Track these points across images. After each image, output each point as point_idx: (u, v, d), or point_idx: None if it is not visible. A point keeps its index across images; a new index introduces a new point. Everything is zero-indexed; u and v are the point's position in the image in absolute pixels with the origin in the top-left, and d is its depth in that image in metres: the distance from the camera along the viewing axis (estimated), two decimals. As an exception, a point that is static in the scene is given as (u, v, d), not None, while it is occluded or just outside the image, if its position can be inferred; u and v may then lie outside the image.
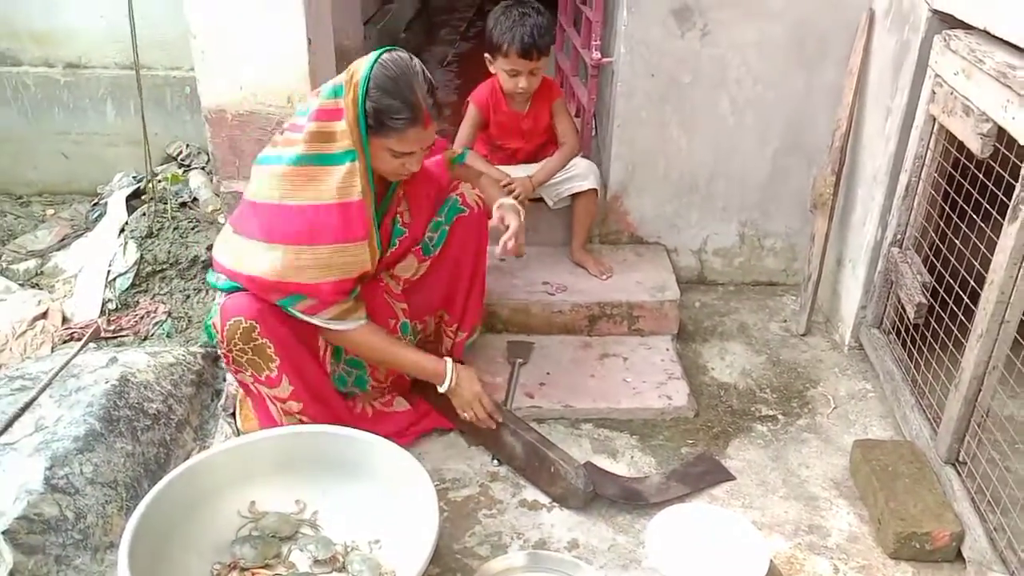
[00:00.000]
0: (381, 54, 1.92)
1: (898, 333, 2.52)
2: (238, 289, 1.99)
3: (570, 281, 2.81)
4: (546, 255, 2.94)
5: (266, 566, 1.88)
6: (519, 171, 2.79)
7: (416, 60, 1.94)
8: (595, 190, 2.80)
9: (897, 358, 2.50)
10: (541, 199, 2.88)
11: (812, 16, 2.67)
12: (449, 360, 2.16)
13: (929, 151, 2.33)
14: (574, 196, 2.84)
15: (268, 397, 2.09)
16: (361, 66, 1.91)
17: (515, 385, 2.46)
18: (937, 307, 2.24)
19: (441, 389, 2.15)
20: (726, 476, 2.21)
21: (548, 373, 2.56)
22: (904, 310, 2.40)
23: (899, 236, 2.49)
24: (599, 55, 2.84)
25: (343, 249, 1.93)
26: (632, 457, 2.28)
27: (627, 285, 2.79)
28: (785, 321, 2.91)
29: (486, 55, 2.65)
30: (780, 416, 2.47)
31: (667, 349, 2.69)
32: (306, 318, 1.99)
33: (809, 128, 2.82)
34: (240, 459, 1.97)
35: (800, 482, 2.22)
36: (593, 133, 3.11)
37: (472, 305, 2.46)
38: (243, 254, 1.94)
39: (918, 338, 2.36)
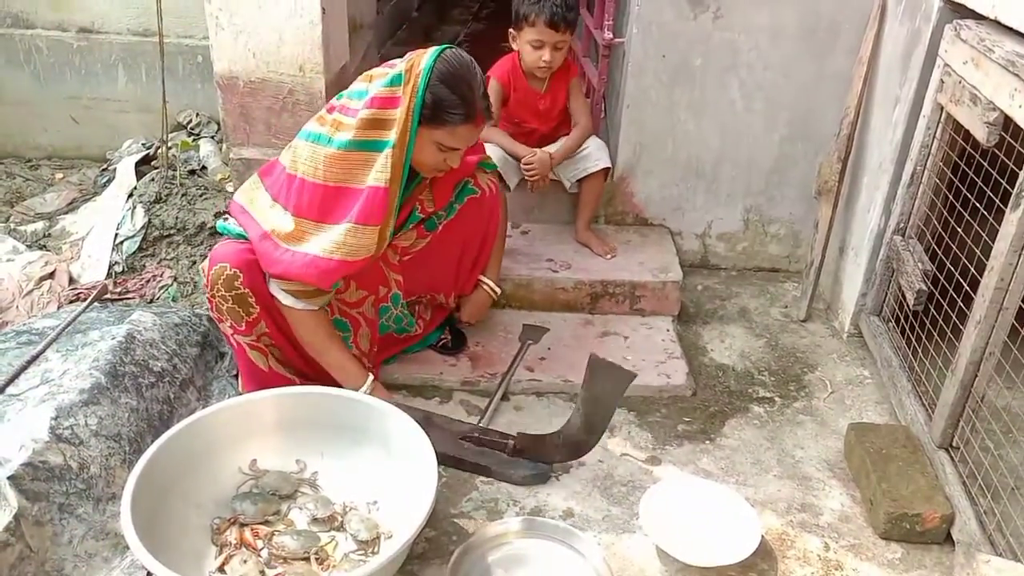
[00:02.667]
0: (444, 49, 1.95)
1: (897, 321, 2.53)
2: (243, 239, 2.05)
3: (574, 259, 2.83)
4: (551, 233, 2.96)
5: (265, 522, 1.91)
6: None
7: (474, 62, 2.00)
8: (605, 170, 2.82)
9: (895, 345, 2.52)
10: (558, 181, 2.89)
11: (824, 4, 2.68)
12: (370, 378, 2.15)
13: (935, 140, 2.35)
14: (583, 177, 2.85)
15: (246, 345, 2.16)
16: (423, 57, 1.94)
17: (519, 363, 2.48)
18: (937, 295, 2.26)
19: (362, 391, 2.12)
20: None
21: (549, 348, 2.58)
22: (904, 297, 2.42)
23: (902, 224, 2.51)
24: (611, 35, 2.85)
25: (357, 230, 1.96)
26: (629, 432, 2.30)
27: (630, 265, 2.81)
28: (786, 307, 2.93)
29: (510, 30, 2.66)
30: (777, 398, 2.49)
31: (667, 330, 2.71)
32: (271, 281, 2.05)
33: (817, 115, 2.84)
34: (242, 416, 2.00)
35: (794, 462, 2.24)
36: (603, 114, 3.12)
37: (471, 277, 2.51)
38: (267, 211, 2.02)
39: (916, 326, 2.38)
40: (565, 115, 2.85)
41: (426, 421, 2.07)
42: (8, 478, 1.73)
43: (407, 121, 1.91)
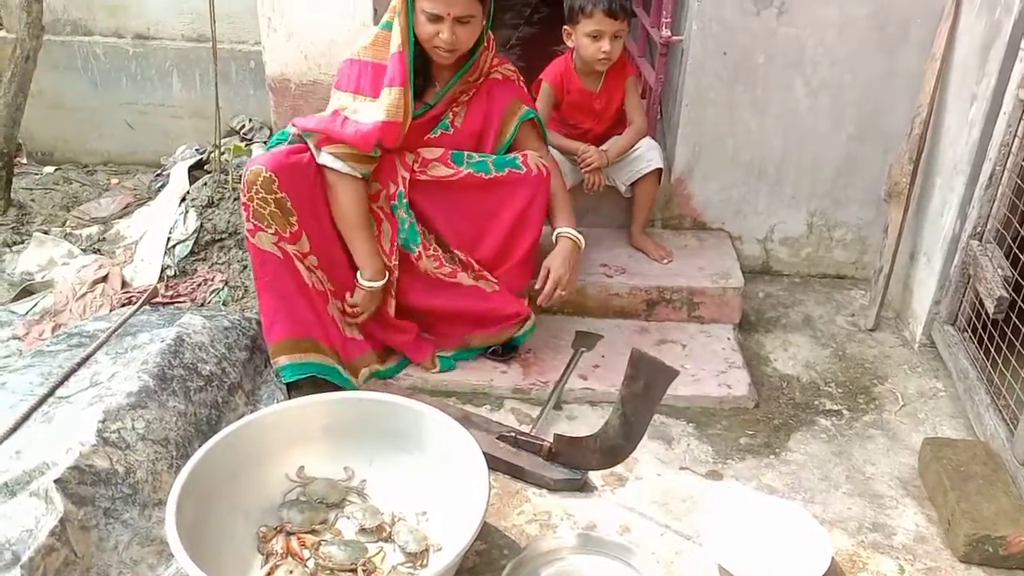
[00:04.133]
0: None
1: (974, 330, 2.39)
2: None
3: (629, 264, 2.74)
4: (605, 237, 2.87)
5: (312, 531, 1.86)
6: None
7: None
8: (659, 172, 2.73)
9: (972, 356, 2.38)
10: (612, 185, 2.81)
11: (896, -3, 2.56)
12: (384, 280, 2.31)
13: (1017, 138, 2.21)
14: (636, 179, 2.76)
15: (293, 255, 2.23)
16: None
17: (571, 371, 2.40)
18: (1020, 302, 2.12)
19: (361, 280, 2.30)
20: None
21: (603, 356, 2.49)
22: (982, 305, 2.28)
23: (979, 228, 2.37)
24: (669, 33, 2.76)
25: (389, 92, 2.15)
26: (688, 445, 2.21)
27: (688, 271, 2.71)
28: (853, 315, 2.80)
29: (564, 27, 2.60)
30: (845, 411, 2.37)
31: (728, 338, 2.60)
32: (321, 153, 2.21)
33: (886, 114, 2.71)
34: (290, 421, 1.96)
35: (865, 479, 2.12)
36: (659, 115, 3.03)
37: (514, 269, 2.42)
38: (331, 101, 2.28)
39: (996, 335, 2.24)
40: (620, 115, 2.77)
41: (464, 420, 2.00)
42: (55, 481, 1.70)
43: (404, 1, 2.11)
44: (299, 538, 1.83)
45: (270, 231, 2.19)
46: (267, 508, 1.89)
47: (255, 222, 2.18)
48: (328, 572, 1.77)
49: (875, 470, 2.15)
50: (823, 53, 2.64)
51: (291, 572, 1.77)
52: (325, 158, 2.20)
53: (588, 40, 2.54)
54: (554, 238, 2.39)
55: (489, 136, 2.38)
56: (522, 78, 2.44)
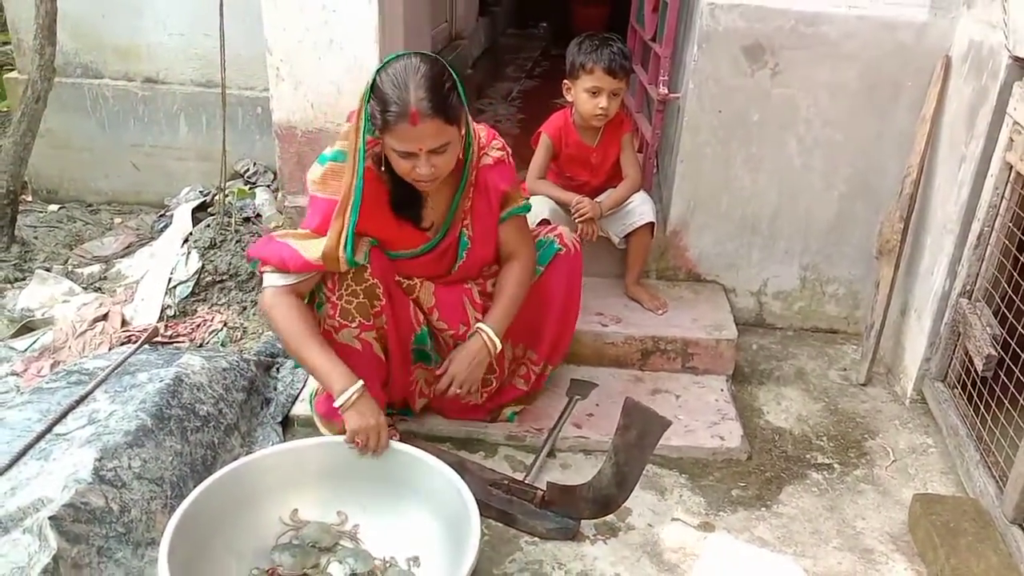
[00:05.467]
0: (393, 59, 1.89)
1: (963, 387, 2.42)
2: None
3: (624, 313, 2.78)
4: (601, 287, 2.91)
5: (304, 575, 1.85)
6: None
7: (427, 63, 1.86)
8: (651, 225, 2.78)
9: (962, 413, 2.40)
10: (606, 236, 2.86)
11: (886, 61, 2.63)
12: (361, 382, 1.94)
13: (1004, 200, 2.27)
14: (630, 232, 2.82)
15: (372, 340, 2.10)
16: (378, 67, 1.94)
17: (566, 419, 2.42)
18: (1008, 360, 2.15)
19: (336, 402, 1.92)
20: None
21: (597, 404, 2.51)
22: (971, 363, 2.31)
23: (968, 287, 2.41)
24: (666, 91, 2.83)
25: (314, 235, 2.00)
26: (681, 496, 2.22)
27: (683, 322, 2.74)
28: (845, 370, 2.83)
29: (564, 81, 2.67)
30: (836, 465, 2.38)
31: (721, 389, 2.62)
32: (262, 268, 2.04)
33: (878, 173, 2.77)
34: (286, 464, 1.97)
35: (855, 533, 2.13)
36: (655, 169, 3.09)
37: (563, 344, 2.44)
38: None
39: (985, 392, 2.27)
40: (616, 169, 2.83)
41: (459, 467, 2.01)
42: (49, 518, 1.71)
43: (356, 129, 1.92)
44: None
45: (353, 325, 2.06)
46: (260, 550, 1.88)
47: (341, 320, 2.04)
48: None
49: (865, 524, 2.16)
50: (816, 113, 2.71)
51: None
52: (267, 279, 2.01)
53: (587, 96, 2.61)
54: (471, 331, 2.20)
55: (493, 231, 2.23)
56: (510, 153, 2.20)
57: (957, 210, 2.44)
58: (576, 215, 2.70)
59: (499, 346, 2.20)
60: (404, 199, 2.06)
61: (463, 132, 1.98)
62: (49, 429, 2.02)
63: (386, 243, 2.09)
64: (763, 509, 2.19)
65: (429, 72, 1.85)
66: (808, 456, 2.41)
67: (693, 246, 2.95)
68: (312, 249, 1.96)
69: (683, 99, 2.81)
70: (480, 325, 2.19)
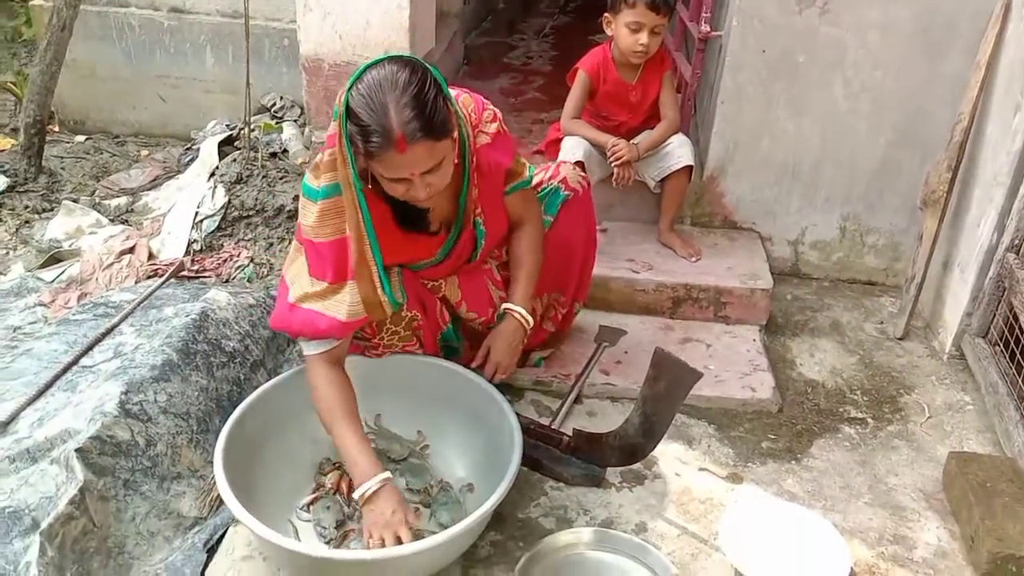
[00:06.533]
0: (363, 71, 1.64)
1: (1006, 344, 2.35)
2: None
3: (656, 261, 2.71)
4: (633, 232, 2.84)
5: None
6: None
7: (403, 72, 1.62)
8: (689, 168, 2.69)
9: (1003, 370, 2.33)
10: (641, 180, 2.78)
11: (942, 1, 2.50)
12: (387, 474, 1.74)
13: (1062, 150, 2.16)
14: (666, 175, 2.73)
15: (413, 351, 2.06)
16: (344, 87, 1.67)
17: (593, 365, 2.38)
18: (1057, 318, 2.07)
19: (355, 493, 1.75)
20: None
21: (626, 352, 2.47)
22: (1016, 319, 2.24)
23: (1017, 241, 2.32)
24: (708, 28, 2.72)
25: (335, 288, 1.80)
26: (709, 447, 2.18)
27: (717, 270, 2.67)
28: (882, 323, 2.75)
29: (605, 15, 2.57)
30: (870, 420, 2.33)
31: (754, 340, 2.57)
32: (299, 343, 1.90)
33: (927, 120, 2.66)
34: (378, 370, 2.02)
35: (887, 490, 2.09)
36: (693, 111, 2.99)
37: (585, 280, 2.38)
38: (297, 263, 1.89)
39: (1030, 350, 2.19)
40: (654, 109, 2.74)
41: None
42: (76, 451, 1.71)
43: (344, 159, 1.70)
44: (349, 479, 1.83)
45: (396, 350, 2.04)
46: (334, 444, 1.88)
47: (385, 350, 2.02)
48: (360, 517, 1.78)
49: (898, 481, 2.12)
50: (865, 55, 2.59)
51: (328, 508, 1.84)
52: (305, 348, 1.86)
53: (627, 31, 2.51)
54: (501, 311, 2.11)
55: (502, 207, 2.08)
56: (502, 120, 1.99)
57: (1009, 161, 2.33)
58: (612, 158, 2.62)
59: (531, 322, 2.12)
60: (408, 214, 1.87)
61: (456, 135, 1.75)
62: (76, 361, 2.01)
63: (405, 261, 1.97)
64: (793, 462, 2.15)
65: (408, 86, 1.60)
66: (841, 410, 2.36)
67: (730, 192, 2.86)
68: (344, 306, 1.79)
69: (725, 37, 2.70)
70: (509, 306, 2.10)
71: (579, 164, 2.50)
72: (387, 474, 1.74)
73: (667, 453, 2.13)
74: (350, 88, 1.63)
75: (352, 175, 1.71)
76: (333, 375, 1.83)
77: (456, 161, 1.81)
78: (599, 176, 2.68)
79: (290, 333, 1.87)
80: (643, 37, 2.50)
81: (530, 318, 2.12)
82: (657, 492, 2.02)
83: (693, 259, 2.71)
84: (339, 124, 1.66)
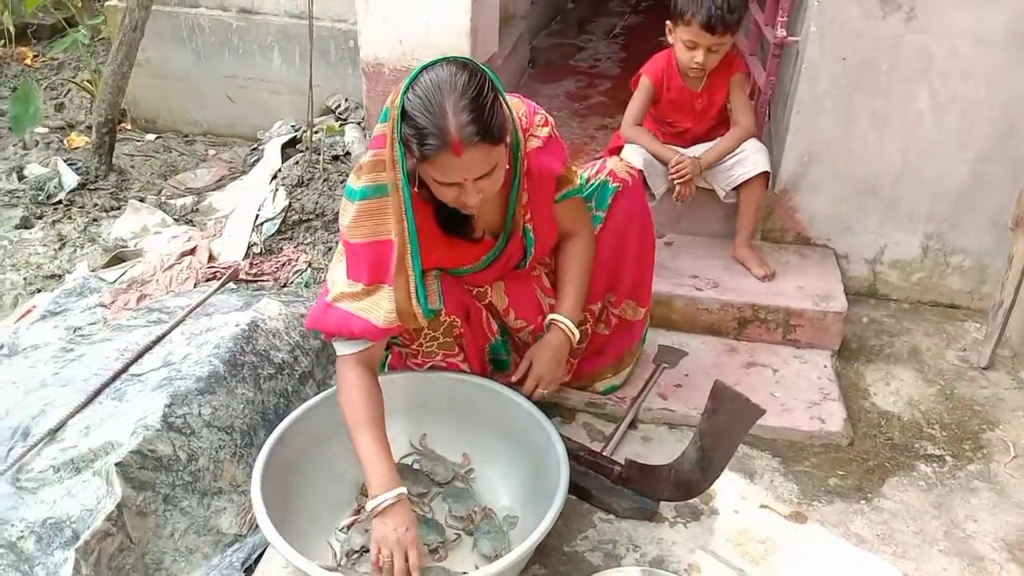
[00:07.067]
0: (419, 73, 1.61)
1: (1105, 381, 2.16)
2: None
3: (723, 277, 2.58)
4: (699, 247, 2.72)
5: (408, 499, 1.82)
6: (688, 151, 2.59)
7: (462, 74, 1.58)
8: (766, 175, 2.55)
9: (1101, 410, 2.14)
10: (710, 189, 2.65)
11: (1041, 6, 2.31)
12: (403, 490, 1.70)
13: None
14: (740, 184, 2.60)
15: (459, 363, 2.01)
16: (400, 86, 1.64)
17: (651, 388, 2.28)
18: None
19: (368, 505, 1.71)
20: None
21: (686, 375, 2.36)
22: (1118, 356, 2.05)
23: (1122, 269, 2.13)
24: (784, 33, 2.57)
25: (371, 290, 1.77)
26: (772, 481, 2.06)
27: (787, 289, 2.53)
28: (965, 350, 2.57)
29: (667, 22, 2.45)
30: (948, 458, 2.17)
31: (825, 366, 2.42)
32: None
33: (1021, 135, 2.46)
34: (424, 387, 1.99)
35: (965, 537, 1.93)
36: (767, 119, 2.84)
37: (645, 280, 2.23)
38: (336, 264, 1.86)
39: None
40: (722, 115, 2.61)
41: None
42: (116, 465, 1.70)
43: (394, 162, 1.66)
44: None
45: (437, 359, 1.99)
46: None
47: (424, 359, 1.98)
48: None
49: (977, 528, 1.96)
50: (954, 64, 2.41)
51: (367, 531, 1.78)
52: (338, 348, 1.83)
53: (683, 47, 2.40)
54: (547, 323, 2.03)
55: (552, 214, 2.00)
56: (554, 125, 1.93)
57: (1115, 181, 2.14)
58: (675, 176, 2.50)
59: (577, 335, 2.03)
60: (449, 217, 1.81)
61: (510, 141, 1.73)
62: (124, 370, 2.01)
63: (447, 266, 1.90)
64: (862, 502, 2.01)
65: (467, 88, 1.56)
66: (917, 445, 2.20)
67: (804, 207, 2.71)
68: (378, 311, 1.75)
69: (802, 43, 2.55)
70: (555, 317, 2.01)
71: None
72: (402, 489, 1.69)
73: (726, 486, 2.02)
74: (405, 91, 1.60)
75: (402, 179, 1.67)
76: (363, 379, 1.80)
77: (508, 166, 1.75)
78: (662, 189, 2.57)
79: (325, 333, 1.84)
80: (699, 56, 2.38)
81: (577, 332, 2.02)
82: (713, 529, 1.91)
83: (766, 280, 2.57)
84: (391, 126, 1.64)
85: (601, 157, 2.74)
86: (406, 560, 1.64)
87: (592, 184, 2.11)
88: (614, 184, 2.10)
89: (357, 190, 1.73)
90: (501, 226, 1.93)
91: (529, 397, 1.95)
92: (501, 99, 1.63)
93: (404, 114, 1.59)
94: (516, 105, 1.84)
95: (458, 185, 1.64)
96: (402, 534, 1.64)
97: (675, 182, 2.50)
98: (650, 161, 2.53)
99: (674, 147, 2.57)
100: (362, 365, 1.81)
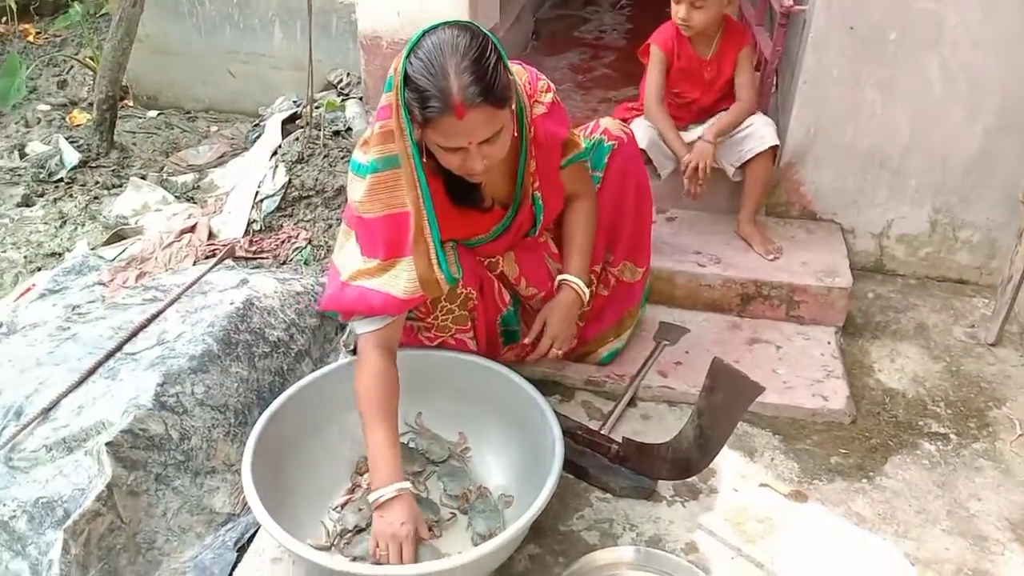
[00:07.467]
0: (421, 37, 1.58)
1: (1116, 358, 2.11)
2: None
3: (725, 253, 2.53)
4: (701, 222, 2.67)
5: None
6: (690, 133, 2.56)
7: (464, 36, 1.56)
8: (774, 150, 2.50)
9: (1111, 387, 2.10)
10: (718, 168, 2.59)
11: (1058, -30, 2.23)
12: (405, 484, 1.66)
13: None
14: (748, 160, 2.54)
15: (468, 340, 1.98)
16: (401, 52, 1.62)
17: (651, 365, 2.25)
18: None
19: (370, 496, 1.67)
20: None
21: (687, 352, 2.32)
22: None
23: None
24: (791, 1, 2.50)
25: (388, 265, 1.74)
26: (772, 459, 2.03)
27: (791, 265, 2.49)
28: (972, 327, 2.52)
29: None
30: (953, 436, 2.13)
31: (828, 343, 2.38)
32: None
33: (1034, 106, 2.40)
34: (422, 366, 1.94)
35: (968, 516, 1.90)
36: (773, 90, 2.78)
37: (643, 240, 2.20)
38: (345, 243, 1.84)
39: None
40: (730, 88, 2.56)
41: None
42: (106, 444, 1.69)
43: (401, 130, 1.64)
44: None
45: (449, 334, 1.96)
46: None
47: (437, 334, 1.95)
48: None
49: (981, 507, 1.93)
50: (964, 32, 2.35)
51: (360, 510, 1.78)
52: (357, 326, 1.81)
53: (673, 2, 2.38)
54: (557, 284, 2.03)
55: (559, 179, 1.99)
56: (555, 90, 1.91)
57: None
58: (685, 172, 2.47)
59: (588, 293, 2.04)
60: (458, 186, 1.78)
61: (514, 107, 1.70)
62: (118, 348, 1.99)
63: (460, 237, 1.87)
64: (864, 481, 1.98)
65: (469, 50, 1.54)
66: (921, 423, 2.17)
67: (810, 180, 2.66)
68: (400, 283, 1.73)
69: (810, 12, 2.48)
70: (565, 277, 2.01)
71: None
72: (406, 484, 1.66)
73: (725, 465, 1.99)
74: (407, 56, 1.58)
75: (411, 146, 1.65)
76: (382, 367, 1.76)
77: (515, 134, 1.73)
78: (668, 169, 2.54)
79: (342, 313, 1.81)
80: (681, 11, 2.37)
81: (587, 289, 2.03)
82: (711, 508, 1.89)
83: (771, 257, 2.51)
84: (395, 93, 1.61)
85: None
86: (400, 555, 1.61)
87: (586, 144, 2.09)
88: (609, 142, 2.09)
89: (367, 164, 1.72)
90: (510, 195, 1.91)
91: (543, 358, 2.00)
92: (504, 63, 1.61)
93: (407, 79, 1.57)
94: (518, 72, 1.82)
95: (463, 150, 1.62)
96: (397, 528, 1.61)
97: (685, 177, 2.47)
98: (655, 140, 2.49)
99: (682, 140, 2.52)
100: (382, 348, 1.77)
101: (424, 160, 1.68)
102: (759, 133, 2.50)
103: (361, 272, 1.75)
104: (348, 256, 1.79)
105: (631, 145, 2.11)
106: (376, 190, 1.71)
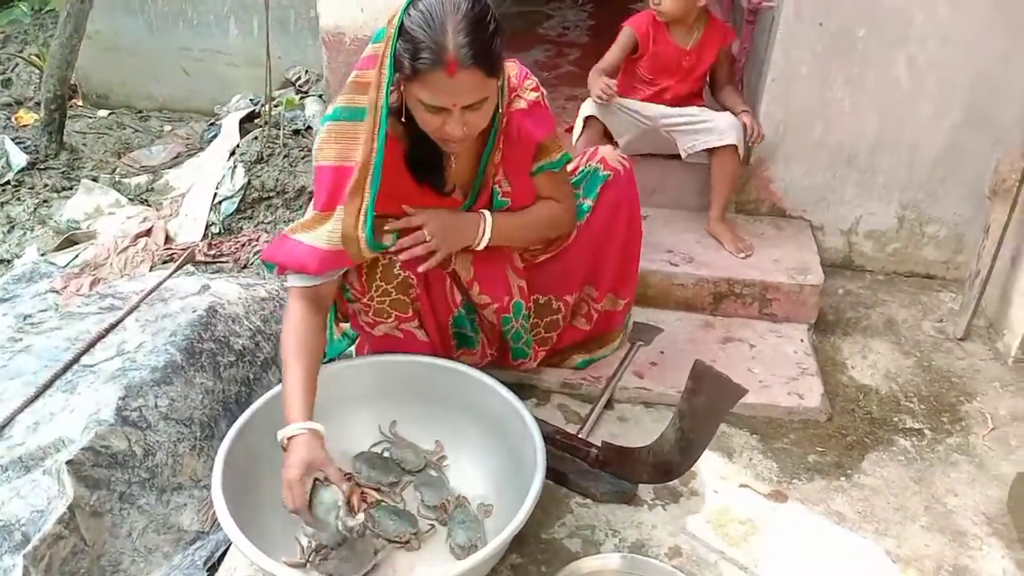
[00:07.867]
0: None
1: (1082, 351, 2.14)
2: None
3: (697, 252, 2.52)
4: (674, 220, 2.65)
5: (378, 490, 1.79)
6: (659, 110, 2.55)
7: (471, 0, 1.54)
8: (734, 148, 2.49)
9: (1079, 380, 2.13)
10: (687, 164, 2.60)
11: (1024, -33, 2.26)
12: (306, 425, 1.61)
13: None
14: (711, 154, 2.53)
15: (414, 330, 1.92)
16: (401, 5, 1.59)
17: (626, 366, 2.22)
18: None
19: (278, 435, 1.62)
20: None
21: (662, 352, 2.30)
22: (1097, 326, 2.02)
23: (1100, 237, 2.10)
24: (759, -2, 2.51)
25: (323, 217, 1.69)
26: (750, 459, 2.01)
27: (762, 263, 2.48)
28: (941, 321, 2.54)
29: None
30: (927, 431, 2.14)
31: (802, 340, 2.38)
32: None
33: (1000, 101, 2.42)
34: (393, 373, 1.90)
35: (946, 512, 1.91)
36: (740, 88, 2.78)
37: (631, 271, 2.17)
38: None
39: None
40: (705, 80, 2.57)
41: None
42: (67, 463, 1.60)
43: (379, 79, 1.59)
44: (364, 490, 1.72)
45: (390, 321, 1.87)
46: (348, 452, 1.84)
47: (375, 318, 1.87)
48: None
49: (958, 502, 1.94)
50: (932, 29, 2.36)
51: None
52: (290, 280, 1.77)
53: None
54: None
55: (530, 182, 1.92)
56: (545, 95, 1.86)
57: (1094, 148, 2.11)
58: (755, 133, 2.48)
59: (489, 236, 1.85)
60: (423, 158, 1.74)
61: (500, 84, 1.68)
62: (75, 361, 1.91)
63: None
64: (842, 479, 1.98)
65: (471, 12, 1.53)
66: (895, 419, 2.17)
67: (779, 177, 2.66)
68: (325, 235, 1.67)
69: (778, 8, 2.48)
70: (483, 211, 1.87)
71: (589, 119, 2.45)
72: (307, 425, 1.60)
73: (705, 466, 1.96)
74: (406, 8, 1.55)
75: (383, 99, 1.60)
76: (307, 314, 1.73)
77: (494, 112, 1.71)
78: (626, 136, 2.55)
79: (277, 265, 1.77)
80: None
81: (490, 231, 1.85)
82: (693, 511, 1.86)
83: (742, 255, 2.51)
84: (385, 44, 1.58)
85: (570, 129, 2.68)
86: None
87: (582, 171, 2.06)
88: (605, 172, 2.04)
89: (330, 113, 1.69)
90: (471, 184, 1.86)
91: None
92: (501, 36, 1.58)
93: (402, 31, 1.54)
94: (508, 66, 1.78)
95: (444, 112, 1.58)
96: (285, 471, 1.55)
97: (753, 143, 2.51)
98: (607, 108, 2.49)
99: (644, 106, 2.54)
100: (308, 299, 1.74)
101: (392, 121, 1.64)
102: (719, 128, 2.49)
103: (301, 224, 1.73)
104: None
105: (627, 177, 2.06)
106: (332, 138, 1.67)
